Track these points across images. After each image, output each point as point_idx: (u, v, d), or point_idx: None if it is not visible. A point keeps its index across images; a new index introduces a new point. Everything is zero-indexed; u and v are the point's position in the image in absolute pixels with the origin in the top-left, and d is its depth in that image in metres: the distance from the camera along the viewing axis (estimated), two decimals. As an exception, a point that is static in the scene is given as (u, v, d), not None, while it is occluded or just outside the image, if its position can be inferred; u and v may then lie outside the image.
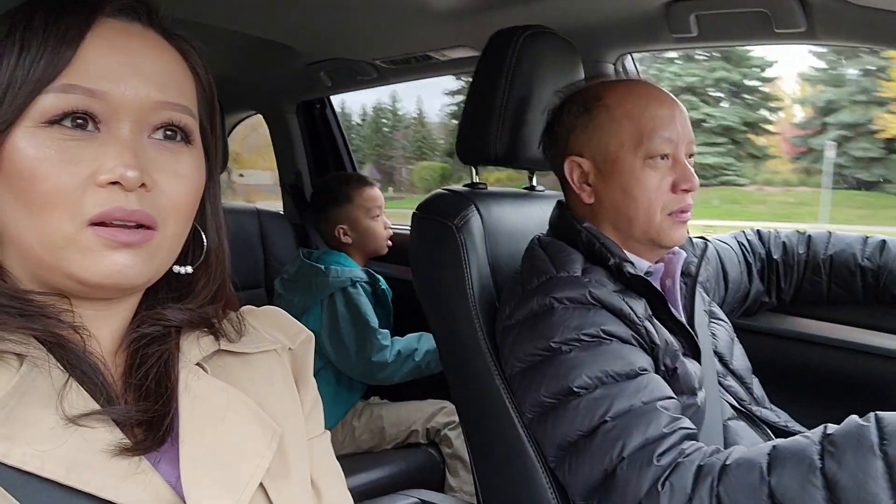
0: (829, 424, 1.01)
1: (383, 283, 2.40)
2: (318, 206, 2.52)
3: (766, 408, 1.42)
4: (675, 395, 1.17)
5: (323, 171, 3.01)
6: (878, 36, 1.42)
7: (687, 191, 1.26)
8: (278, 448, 0.72)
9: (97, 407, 0.63)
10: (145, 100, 0.64)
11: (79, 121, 0.62)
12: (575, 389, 1.14)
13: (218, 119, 0.77)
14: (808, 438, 1.00)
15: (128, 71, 0.64)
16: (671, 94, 1.31)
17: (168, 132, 0.67)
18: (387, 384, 2.28)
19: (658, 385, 1.16)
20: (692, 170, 1.27)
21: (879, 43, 1.50)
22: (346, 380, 2.31)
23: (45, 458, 0.58)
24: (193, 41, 0.73)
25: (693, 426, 1.13)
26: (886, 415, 0.96)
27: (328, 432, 0.87)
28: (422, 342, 2.26)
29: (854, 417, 0.99)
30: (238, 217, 2.80)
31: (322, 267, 2.30)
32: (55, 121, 0.61)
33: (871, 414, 0.97)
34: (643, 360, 1.17)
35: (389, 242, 2.49)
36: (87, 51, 0.63)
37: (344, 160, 3.04)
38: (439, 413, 2.29)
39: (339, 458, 2.24)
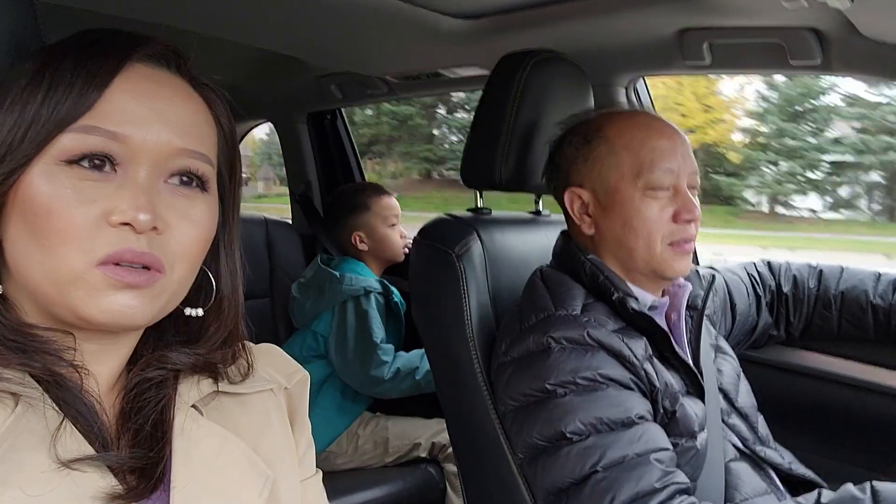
0: (825, 491, 0.98)
1: (397, 296, 2.39)
2: (334, 214, 2.52)
3: (770, 447, 1.39)
4: (670, 447, 1.14)
5: (332, 181, 3.00)
6: (893, 70, 1.39)
7: (689, 221, 1.24)
8: (270, 493, 0.72)
9: (91, 451, 0.63)
10: (165, 146, 0.65)
11: (96, 161, 0.63)
12: (567, 435, 1.12)
13: (238, 168, 0.77)
14: None
15: (151, 116, 0.65)
16: (673, 125, 1.29)
17: (184, 178, 0.68)
18: (385, 398, 2.27)
19: (653, 436, 1.13)
20: (694, 200, 1.25)
21: (895, 77, 1.47)
22: (351, 390, 2.31)
23: (35, 503, 0.58)
24: (219, 90, 0.75)
25: (687, 480, 1.10)
26: (883, 486, 0.93)
27: (320, 472, 0.86)
28: (424, 360, 2.24)
29: (849, 487, 0.97)
30: (245, 226, 2.74)
31: (337, 274, 2.30)
32: (73, 161, 0.62)
33: (867, 484, 0.94)
34: (640, 407, 1.15)
35: (407, 250, 2.48)
36: (113, 94, 0.64)
37: (353, 171, 3.03)
38: (444, 431, 2.27)
39: (339, 473, 2.24)
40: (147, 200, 0.63)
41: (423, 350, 2.25)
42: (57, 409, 0.63)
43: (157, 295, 0.65)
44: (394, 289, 2.39)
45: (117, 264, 0.62)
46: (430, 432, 2.27)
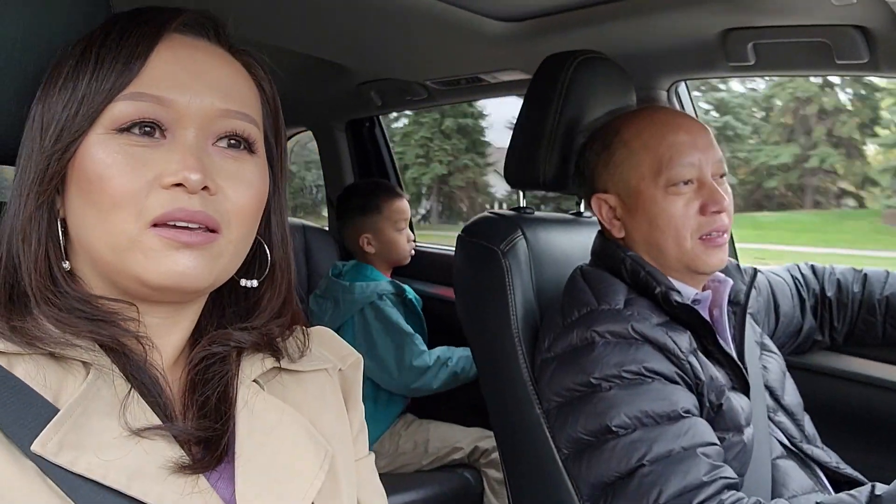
0: (878, 485, 0.97)
1: (410, 293, 2.39)
2: (344, 211, 2.52)
3: (817, 447, 1.37)
4: (717, 442, 1.14)
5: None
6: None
7: (717, 212, 1.23)
8: (330, 468, 0.73)
9: (158, 422, 0.64)
10: (209, 108, 0.67)
11: (146, 128, 0.65)
12: (613, 429, 1.12)
13: (283, 132, 0.78)
14: (853, 498, 0.96)
15: (193, 80, 0.67)
16: (693, 118, 1.29)
17: (232, 141, 0.69)
18: (425, 394, 2.26)
19: (700, 430, 1.12)
20: (721, 191, 1.24)
21: (945, 75, 1.45)
22: (384, 397, 2.31)
23: (109, 468, 0.59)
24: (259, 55, 0.76)
25: (735, 475, 1.10)
26: None
27: (373, 454, 0.87)
28: (453, 351, 2.25)
29: None
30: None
31: (347, 284, 2.31)
32: (124, 128, 0.65)
33: None
34: (686, 401, 1.14)
35: (413, 252, 2.48)
36: (155, 62, 0.67)
37: (391, 178, 3.05)
38: (486, 438, 2.27)
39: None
40: (196, 160, 0.65)
41: (448, 346, 2.28)
42: (124, 378, 0.65)
43: (215, 256, 0.66)
44: (406, 287, 2.40)
45: (172, 226, 0.63)
46: (471, 438, 2.27)
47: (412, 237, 2.50)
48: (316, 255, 2.89)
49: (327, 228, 3.12)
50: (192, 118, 0.66)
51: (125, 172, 0.63)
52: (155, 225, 0.63)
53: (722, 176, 1.27)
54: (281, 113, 0.78)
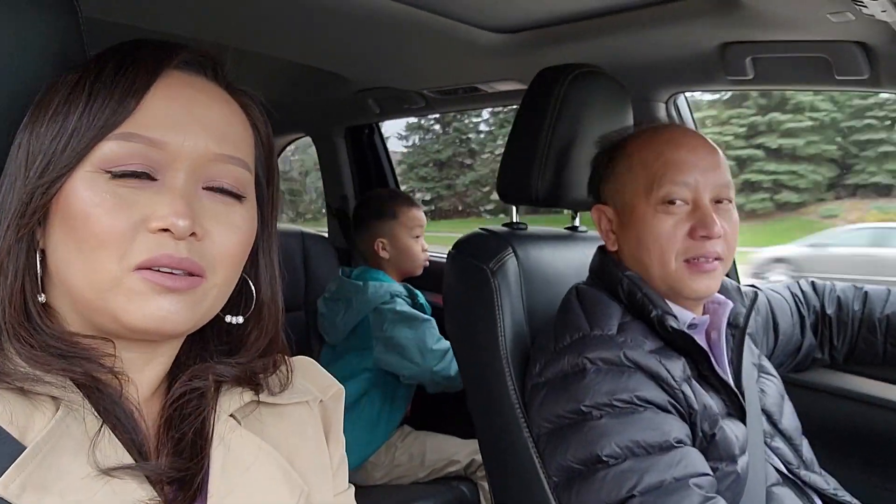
0: None
1: (421, 298, 2.38)
2: (360, 217, 2.51)
3: (815, 472, 1.34)
4: (710, 472, 1.11)
5: (368, 195, 3.01)
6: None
7: (706, 238, 1.19)
8: None
9: (130, 461, 0.63)
10: (203, 150, 0.66)
11: (136, 173, 0.63)
12: (603, 458, 1.09)
13: (276, 174, 0.77)
14: None
15: (188, 122, 0.66)
16: (701, 136, 1.26)
17: (221, 192, 0.68)
18: (444, 384, 2.22)
19: (693, 460, 1.10)
20: (718, 216, 1.19)
21: (947, 92, 1.43)
22: (388, 405, 2.29)
23: None
24: (256, 96, 0.75)
25: None
26: None
27: (352, 487, 0.86)
28: None
29: None
30: (281, 239, 2.78)
31: (360, 284, 2.29)
32: (117, 175, 0.63)
33: None
34: (679, 430, 1.12)
35: (426, 263, 2.47)
36: (150, 101, 0.65)
37: (389, 185, 3.04)
38: None
39: (373, 489, 2.22)
40: (185, 205, 0.63)
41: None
42: (96, 414, 0.63)
43: (198, 301, 0.65)
44: (417, 291, 2.39)
45: (156, 270, 0.62)
46: (468, 450, 2.25)
47: (427, 248, 2.48)
48: (315, 261, 2.88)
49: (326, 235, 3.11)
50: (184, 160, 0.65)
51: (111, 213, 0.62)
52: (139, 268, 0.62)
53: (725, 202, 1.23)
54: (275, 153, 0.77)
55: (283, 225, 3.20)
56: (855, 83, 1.45)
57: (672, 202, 1.20)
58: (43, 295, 0.66)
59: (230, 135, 0.69)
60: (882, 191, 13.19)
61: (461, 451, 2.26)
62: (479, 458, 2.20)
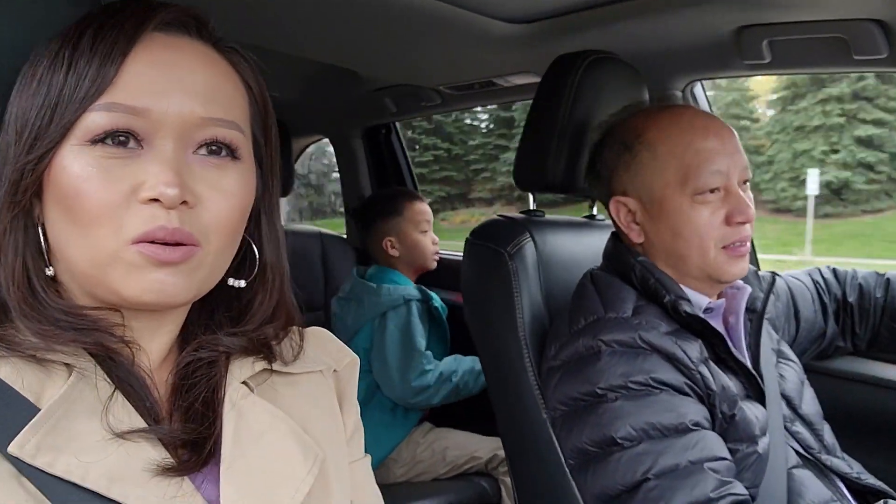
0: (890, 501, 0.93)
1: (437, 301, 2.37)
2: (366, 218, 2.51)
3: (836, 457, 1.32)
4: (728, 456, 1.10)
5: (387, 196, 3.01)
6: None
7: (743, 223, 1.19)
8: (319, 472, 0.71)
9: (143, 424, 0.63)
10: (188, 116, 0.64)
11: (121, 138, 0.62)
12: (618, 440, 1.09)
13: (273, 131, 0.75)
14: None
15: (171, 86, 0.63)
16: (720, 121, 1.25)
17: (213, 148, 0.66)
18: (425, 407, 2.25)
19: (709, 443, 1.08)
20: (747, 199, 1.20)
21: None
22: (401, 406, 2.29)
23: (89, 469, 0.58)
24: (246, 52, 0.72)
25: (745, 492, 1.06)
26: None
27: (369, 456, 0.86)
28: (459, 363, 2.23)
29: None
30: (300, 239, 2.83)
31: (374, 285, 2.29)
32: (98, 140, 0.62)
33: None
34: (695, 413, 1.10)
35: (437, 257, 2.47)
36: (130, 67, 0.63)
37: (407, 185, 3.04)
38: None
39: (393, 486, 2.22)
40: (174, 174, 0.62)
41: (454, 356, 2.27)
42: (109, 381, 0.64)
43: (194, 269, 0.64)
44: (433, 294, 2.38)
45: (151, 242, 0.61)
46: (489, 446, 2.24)
47: (437, 241, 2.48)
48: (334, 262, 2.90)
49: (345, 235, 3.13)
50: (170, 127, 0.63)
51: (101, 187, 0.61)
52: (135, 242, 0.61)
53: (746, 182, 1.23)
54: (271, 109, 0.75)
55: (302, 225, 3.21)
56: (874, 63, 1.43)
57: (710, 191, 1.19)
58: (51, 268, 0.66)
59: (218, 96, 0.66)
60: (485, 202, 21.11)
61: (482, 448, 2.24)
62: (500, 454, 2.20)
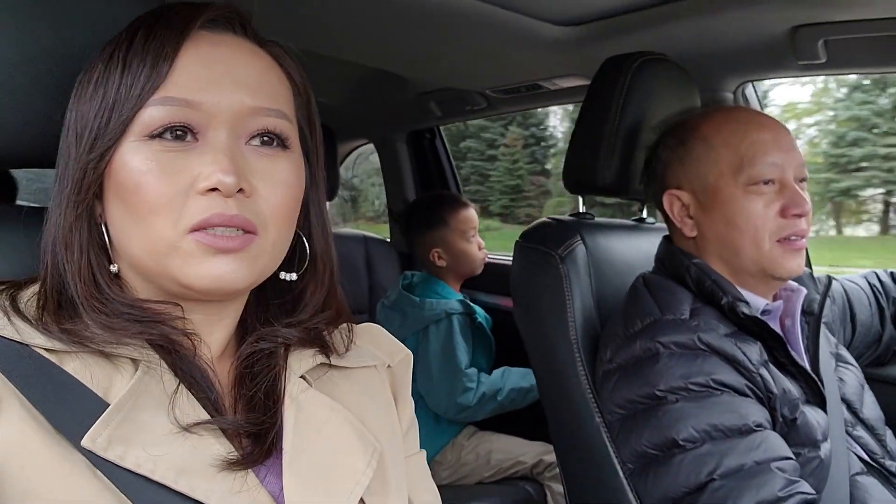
0: None
1: (480, 316, 2.35)
2: (411, 227, 2.50)
3: None
4: (792, 456, 1.08)
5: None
6: None
7: (799, 216, 1.17)
8: (378, 465, 0.72)
9: (207, 416, 0.65)
10: (239, 106, 0.66)
11: (178, 132, 0.65)
12: (680, 442, 1.07)
13: (317, 122, 0.78)
14: None
15: (220, 79, 0.66)
16: (775, 118, 1.23)
17: (265, 138, 0.68)
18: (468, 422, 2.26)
19: (773, 443, 1.06)
20: (804, 194, 1.18)
21: None
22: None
23: (157, 463, 0.60)
24: (287, 46, 0.75)
25: (813, 491, 1.03)
26: None
27: (424, 451, 0.86)
28: (506, 379, 2.21)
29: None
30: (345, 243, 2.84)
31: (417, 299, 2.28)
32: (156, 134, 0.64)
33: None
34: (758, 414, 1.09)
35: (485, 260, 2.45)
36: (182, 63, 0.66)
37: (452, 189, 3.05)
38: (550, 452, 2.21)
39: (438, 488, 2.22)
40: (230, 162, 0.64)
41: (502, 369, 2.25)
42: (173, 374, 0.65)
43: (254, 258, 0.66)
44: (476, 307, 2.35)
45: (210, 232, 0.63)
46: (535, 451, 2.23)
47: (483, 245, 2.46)
48: (378, 266, 2.91)
49: (389, 240, 3.14)
50: (222, 118, 0.65)
51: (160, 179, 0.63)
52: (193, 230, 0.63)
53: (803, 181, 1.21)
54: (313, 100, 0.77)
55: (346, 229, 3.24)
56: (935, 62, 1.40)
57: (765, 182, 1.18)
58: (115, 265, 0.68)
59: (265, 87, 0.69)
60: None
61: (528, 452, 2.23)
62: (546, 458, 2.19)
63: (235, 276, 0.65)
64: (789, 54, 1.56)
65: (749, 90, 1.82)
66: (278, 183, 0.68)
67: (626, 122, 1.38)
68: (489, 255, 2.50)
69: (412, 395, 2.28)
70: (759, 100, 1.85)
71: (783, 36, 1.52)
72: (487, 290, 2.56)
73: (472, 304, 2.36)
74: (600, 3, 1.58)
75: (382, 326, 2.37)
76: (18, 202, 2.29)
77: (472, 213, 2.46)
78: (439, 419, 2.27)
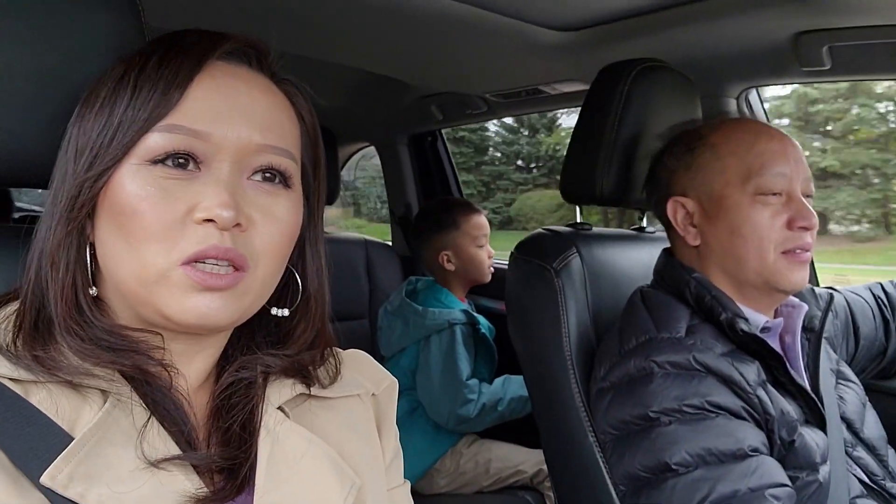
0: None
1: (483, 327, 2.32)
2: (421, 229, 2.47)
3: None
4: (788, 483, 1.04)
5: (432, 203, 3.00)
6: None
7: (805, 228, 1.15)
8: (356, 499, 0.71)
9: (178, 451, 0.63)
10: (247, 142, 0.65)
11: (180, 160, 0.64)
12: (673, 466, 1.04)
13: (322, 163, 0.77)
14: None
15: (232, 113, 0.65)
16: (782, 131, 1.21)
17: (267, 174, 0.67)
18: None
19: (769, 469, 1.03)
20: (810, 208, 1.16)
21: None
22: None
23: (122, 500, 0.58)
24: (301, 84, 0.74)
25: None
26: None
27: (408, 482, 0.84)
28: (507, 388, 2.19)
29: None
30: (345, 247, 2.82)
31: (420, 308, 2.26)
32: (158, 160, 0.63)
33: None
34: (754, 438, 1.06)
35: (493, 270, 2.43)
36: (194, 92, 0.65)
37: (453, 193, 3.03)
38: None
39: (435, 497, 2.19)
40: (230, 196, 0.63)
41: (503, 377, 2.23)
42: (145, 406, 0.63)
43: (240, 295, 0.65)
44: (479, 317, 2.33)
45: (200, 262, 0.62)
46: (535, 460, 2.20)
47: (492, 254, 2.44)
48: (378, 270, 2.88)
49: (390, 243, 3.12)
50: (228, 152, 0.64)
51: (158, 206, 0.62)
52: (185, 263, 0.62)
53: (809, 196, 1.19)
54: (321, 142, 0.77)
55: (347, 233, 3.22)
56: (942, 70, 1.36)
57: (773, 193, 1.16)
58: (95, 288, 0.66)
59: (275, 125, 0.68)
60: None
61: (528, 461, 2.21)
62: (546, 468, 2.15)
63: (220, 314, 0.63)
64: (793, 60, 1.53)
65: (753, 96, 1.79)
66: (275, 220, 0.67)
67: (625, 131, 1.36)
68: (495, 262, 2.48)
69: (413, 402, 2.28)
70: (762, 106, 1.82)
71: (787, 42, 1.49)
72: (491, 296, 2.54)
73: (475, 313, 2.34)
74: (600, 9, 1.55)
75: (384, 331, 2.37)
76: (18, 204, 2.29)
77: (484, 220, 2.43)
78: (439, 427, 2.25)
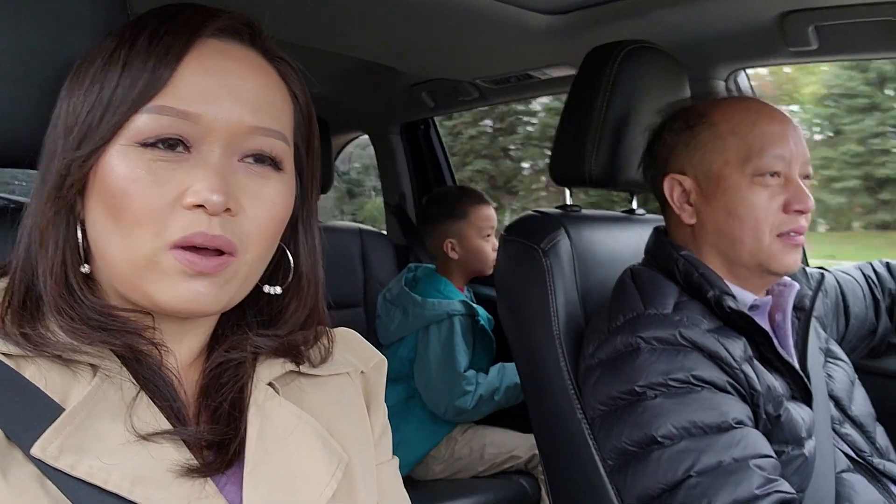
0: None
1: (482, 318, 2.33)
2: (429, 216, 2.48)
3: (890, 460, 1.26)
4: (773, 454, 1.05)
5: (426, 191, 3.00)
6: None
7: (800, 212, 1.15)
8: (345, 475, 0.71)
9: (167, 426, 0.63)
10: (237, 124, 0.64)
11: (170, 142, 0.62)
12: (658, 439, 1.05)
13: (316, 142, 0.76)
14: None
15: (222, 93, 0.64)
16: (784, 112, 1.20)
17: (258, 157, 0.66)
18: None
19: (753, 440, 1.04)
20: (807, 191, 1.16)
21: None
22: None
23: (111, 472, 0.58)
24: (295, 62, 0.73)
25: (792, 490, 1.01)
26: None
27: (396, 458, 0.85)
28: (502, 377, 2.21)
29: None
30: (340, 236, 2.82)
31: (419, 298, 2.27)
32: (149, 143, 0.62)
33: None
34: (738, 411, 1.06)
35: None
36: (184, 71, 0.63)
37: (447, 182, 3.03)
38: None
39: (431, 482, 2.19)
40: (220, 181, 0.62)
41: (499, 365, 2.24)
42: (134, 382, 0.63)
43: (228, 280, 0.64)
44: (479, 309, 2.34)
45: (190, 248, 0.61)
46: (529, 445, 2.21)
47: (496, 247, 2.43)
48: (373, 259, 2.88)
49: (385, 232, 3.12)
50: (218, 133, 0.63)
51: (148, 189, 0.61)
52: (174, 247, 0.61)
53: (807, 178, 1.19)
54: (315, 120, 0.75)
55: (342, 222, 3.22)
56: (928, 48, 1.37)
57: (772, 174, 1.15)
58: (87, 266, 0.66)
59: (267, 105, 0.67)
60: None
61: (522, 446, 2.22)
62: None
63: (208, 300, 0.63)
64: (780, 41, 1.53)
65: (741, 77, 1.80)
66: (265, 203, 0.66)
67: (614, 113, 1.36)
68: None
69: (410, 390, 2.27)
70: (751, 86, 1.82)
71: (773, 22, 1.50)
72: (491, 284, 2.54)
73: (474, 304, 2.34)
74: (587, -9, 1.55)
75: (382, 320, 2.37)
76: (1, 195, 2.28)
77: (493, 212, 2.44)
78: (435, 416, 2.26)
